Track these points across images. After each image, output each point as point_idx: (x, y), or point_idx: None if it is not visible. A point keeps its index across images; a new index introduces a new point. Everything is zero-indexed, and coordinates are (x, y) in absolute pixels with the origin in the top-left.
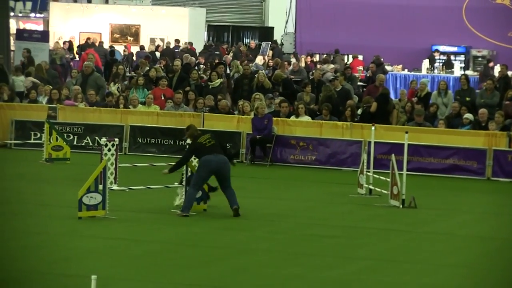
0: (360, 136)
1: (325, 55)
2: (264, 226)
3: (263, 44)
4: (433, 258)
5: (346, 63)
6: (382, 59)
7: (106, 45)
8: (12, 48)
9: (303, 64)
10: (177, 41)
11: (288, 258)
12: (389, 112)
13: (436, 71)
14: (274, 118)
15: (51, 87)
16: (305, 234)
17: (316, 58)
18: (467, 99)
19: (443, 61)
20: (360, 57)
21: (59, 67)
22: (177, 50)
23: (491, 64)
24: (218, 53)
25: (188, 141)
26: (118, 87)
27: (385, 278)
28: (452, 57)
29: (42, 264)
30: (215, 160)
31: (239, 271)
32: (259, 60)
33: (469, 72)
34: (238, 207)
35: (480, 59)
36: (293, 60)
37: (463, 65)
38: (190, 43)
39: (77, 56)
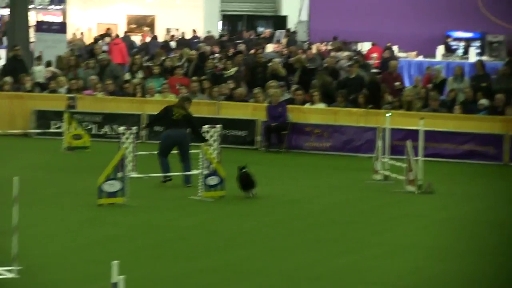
0: (375, 123)
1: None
2: (281, 213)
3: (277, 32)
4: (449, 244)
5: (359, 50)
6: (392, 47)
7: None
8: (32, 39)
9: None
10: (194, 31)
11: (304, 244)
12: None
13: (451, 57)
14: (289, 106)
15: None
16: (321, 220)
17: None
18: (483, 84)
19: (458, 47)
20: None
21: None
22: (195, 40)
23: None
24: (242, 41)
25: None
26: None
27: (402, 264)
28: (468, 43)
29: (65, 250)
30: (174, 133)
31: (256, 256)
32: (271, 48)
33: (485, 58)
34: (191, 185)
35: (496, 44)
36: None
37: (479, 50)
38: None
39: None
